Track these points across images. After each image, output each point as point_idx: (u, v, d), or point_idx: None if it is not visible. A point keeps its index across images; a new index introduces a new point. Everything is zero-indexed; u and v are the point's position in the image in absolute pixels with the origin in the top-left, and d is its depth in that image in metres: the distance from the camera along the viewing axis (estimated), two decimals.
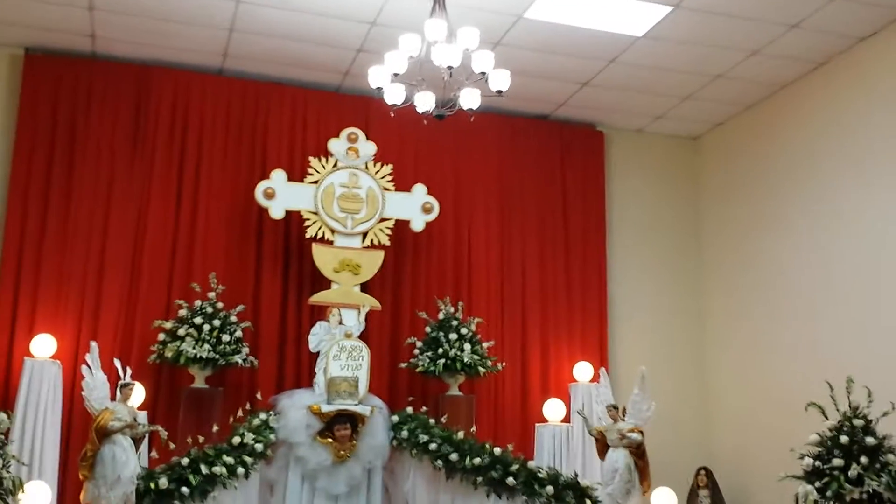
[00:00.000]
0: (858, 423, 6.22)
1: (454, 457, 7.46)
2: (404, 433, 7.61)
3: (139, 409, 7.17)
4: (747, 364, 9.15)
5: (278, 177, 8.28)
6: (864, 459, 6.06)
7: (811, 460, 6.23)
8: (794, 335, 8.53)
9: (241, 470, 7.02)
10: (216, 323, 7.71)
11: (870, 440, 6.13)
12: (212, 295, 7.88)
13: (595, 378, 8.74)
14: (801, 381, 7.84)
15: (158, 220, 8.32)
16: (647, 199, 9.98)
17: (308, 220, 8.23)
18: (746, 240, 9.35)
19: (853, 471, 6.04)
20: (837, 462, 6.12)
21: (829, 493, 6.09)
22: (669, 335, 9.66)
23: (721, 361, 9.57)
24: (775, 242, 8.93)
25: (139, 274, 8.17)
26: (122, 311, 8.04)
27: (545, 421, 8.67)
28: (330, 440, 7.40)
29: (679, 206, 10.07)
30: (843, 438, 6.17)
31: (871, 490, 6.00)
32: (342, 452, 7.39)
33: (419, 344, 8.34)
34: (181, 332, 7.64)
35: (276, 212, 8.22)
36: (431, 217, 8.60)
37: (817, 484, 6.16)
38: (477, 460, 7.44)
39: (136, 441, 6.78)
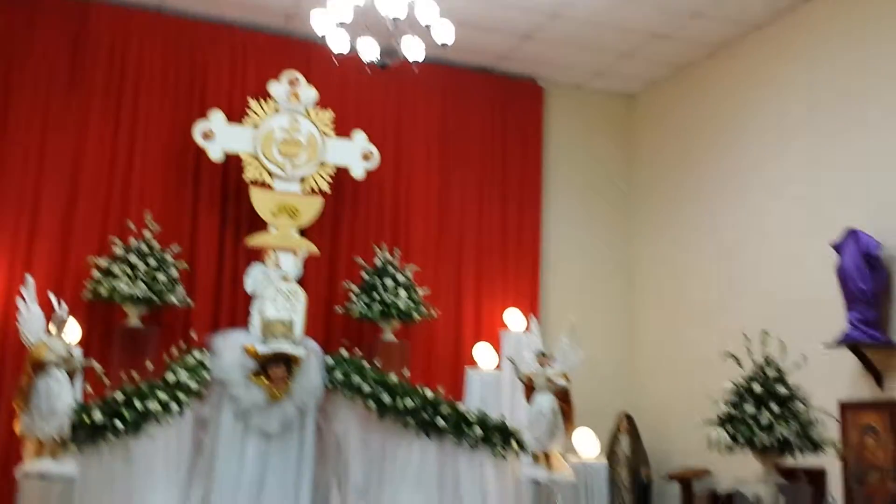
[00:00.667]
0: (771, 373, 6.49)
1: (386, 398, 7.60)
2: (338, 375, 7.70)
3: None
4: (671, 316, 9.47)
5: (217, 117, 8.24)
6: (775, 407, 6.34)
7: (725, 406, 6.50)
8: (717, 289, 8.85)
9: (174, 407, 7.07)
10: (151, 262, 7.71)
11: (781, 389, 6.42)
12: (147, 234, 7.87)
13: (527, 326, 8.97)
14: (722, 333, 8.07)
15: (95, 156, 8.24)
16: (582, 153, 10.17)
17: (246, 162, 8.24)
18: (674, 197, 9.62)
19: (764, 417, 6.33)
20: (750, 409, 6.39)
21: (740, 439, 6.37)
22: (599, 286, 9.95)
23: (647, 312, 9.88)
24: (702, 200, 9.21)
25: (74, 209, 8.09)
26: (55, 246, 7.96)
27: (475, 364, 8.88)
28: (264, 380, 7.49)
29: (613, 161, 10.30)
30: (757, 387, 6.45)
31: (780, 436, 6.29)
32: (276, 393, 7.47)
33: (355, 289, 8.44)
34: (115, 269, 7.64)
35: (215, 153, 8.19)
36: (371, 165, 8.65)
37: (730, 429, 6.44)
38: (408, 402, 7.59)
39: (71, 375, 6.82)
